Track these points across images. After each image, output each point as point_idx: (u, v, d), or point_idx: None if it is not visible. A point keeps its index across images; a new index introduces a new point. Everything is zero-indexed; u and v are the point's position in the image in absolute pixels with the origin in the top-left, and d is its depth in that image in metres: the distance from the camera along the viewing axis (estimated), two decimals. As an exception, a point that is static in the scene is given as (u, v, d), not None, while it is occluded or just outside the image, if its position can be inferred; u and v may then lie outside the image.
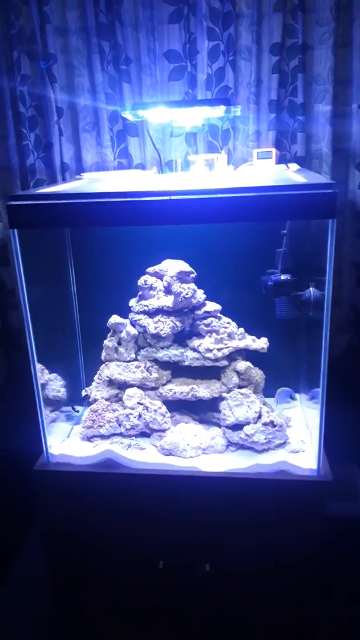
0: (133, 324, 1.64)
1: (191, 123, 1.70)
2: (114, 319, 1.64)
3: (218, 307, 1.61)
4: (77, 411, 1.79)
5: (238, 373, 1.58)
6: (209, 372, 1.60)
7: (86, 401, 1.68)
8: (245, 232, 1.57)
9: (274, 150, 1.65)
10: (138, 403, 1.57)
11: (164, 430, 1.56)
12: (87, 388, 1.69)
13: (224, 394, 1.55)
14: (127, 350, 1.65)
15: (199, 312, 1.60)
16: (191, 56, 1.71)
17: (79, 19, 1.72)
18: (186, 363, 1.58)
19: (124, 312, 1.65)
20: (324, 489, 1.39)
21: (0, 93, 1.75)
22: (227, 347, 1.56)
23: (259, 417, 1.50)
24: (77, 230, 1.75)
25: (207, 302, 1.61)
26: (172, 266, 1.60)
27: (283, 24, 1.65)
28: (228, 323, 1.60)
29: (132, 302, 1.65)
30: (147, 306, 1.59)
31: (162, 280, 1.62)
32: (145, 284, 1.61)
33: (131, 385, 1.61)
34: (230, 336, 1.58)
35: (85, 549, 1.57)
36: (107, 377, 1.64)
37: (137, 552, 1.54)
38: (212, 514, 1.46)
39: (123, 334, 1.64)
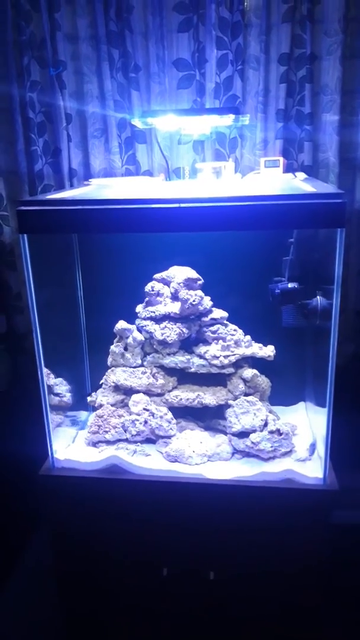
0: (140, 329, 1.64)
1: (199, 131, 1.72)
2: (121, 324, 1.64)
3: (225, 314, 1.61)
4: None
5: (244, 380, 1.58)
6: (215, 379, 1.60)
7: (91, 406, 1.68)
8: (253, 240, 1.58)
9: (281, 159, 1.66)
10: (144, 409, 1.57)
11: (169, 437, 1.56)
12: (92, 393, 1.69)
13: (230, 401, 1.55)
14: (133, 356, 1.66)
15: (206, 319, 1.60)
16: (200, 65, 1.73)
17: (89, 27, 1.73)
18: (192, 370, 1.59)
19: (131, 318, 1.66)
20: (330, 498, 1.39)
21: (9, 99, 1.77)
22: (234, 355, 1.56)
23: (265, 425, 1.50)
24: (84, 236, 1.75)
25: (214, 309, 1.61)
26: (180, 273, 1.60)
27: (291, 35, 1.67)
28: (235, 330, 1.60)
29: (139, 308, 1.65)
30: (154, 312, 1.60)
31: (169, 286, 1.62)
32: (152, 290, 1.61)
33: (137, 391, 1.62)
34: (237, 343, 1.58)
35: (90, 555, 1.56)
36: (113, 382, 1.64)
37: (142, 559, 1.54)
38: (217, 521, 1.46)
39: (129, 340, 1.64)
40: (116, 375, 1.64)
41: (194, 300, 1.55)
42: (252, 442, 1.48)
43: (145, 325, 1.61)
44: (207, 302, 1.60)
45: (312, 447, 1.51)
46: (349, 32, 1.65)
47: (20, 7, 1.71)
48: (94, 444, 1.61)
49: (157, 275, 1.64)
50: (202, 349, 1.59)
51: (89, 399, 1.69)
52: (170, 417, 1.57)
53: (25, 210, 1.30)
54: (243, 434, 1.51)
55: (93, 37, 1.74)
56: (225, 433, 1.57)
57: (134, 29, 1.72)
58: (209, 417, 1.63)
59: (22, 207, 1.30)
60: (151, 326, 1.60)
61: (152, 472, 1.48)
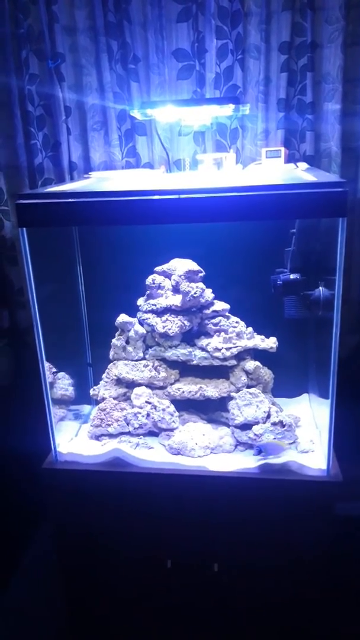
0: (141, 323, 1.64)
1: (199, 122, 1.70)
2: (122, 317, 1.64)
3: (226, 306, 1.60)
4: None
5: (247, 372, 1.58)
6: (217, 371, 1.60)
7: (94, 400, 1.68)
8: (254, 231, 1.56)
9: (282, 149, 1.65)
10: (146, 402, 1.57)
11: (172, 430, 1.56)
12: (95, 387, 1.69)
13: (233, 394, 1.55)
14: (135, 349, 1.65)
15: (208, 312, 1.59)
16: (200, 55, 1.71)
17: (87, 18, 1.72)
18: (194, 362, 1.58)
19: (132, 311, 1.65)
20: (333, 490, 1.39)
21: (8, 92, 1.76)
22: (236, 347, 1.56)
23: (268, 416, 1.50)
24: (85, 229, 1.75)
25: (215, 301, 1.61)
26: (181, 265, 1.59)
27: (292, 23, 1.64)
28: (237, 322, 1.60)
29: (140, 301, 1.65)
30: (155, 305, 1.59)
31: (170, 279, 1.61)
32: (154, 283, 1.61)
33: (139, 384, 1.61)
34: (239, 335, 1.58)
35: (93, 547, 1.57)
36: (115, 376, 1.64)
37: (145, 551, 1.54)
38: (220, 513, 1.46)
39: (131, 333, 1.64)
40: (118, 369, 1.64)
41: (195, 293, 1.54)
42: (255, 434, 1.47)
43: (147, 318, 1.60)
44: (209, 294, 1.59)
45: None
46: (350, 19, 1.62)
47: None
48: (97, 437, 1.61)
49: (158, 268, 1.64)
50: (204, 341, 1.58)
51: (91, 392, 1.69)
52: (173, 409, 1.56)
53: (24, 204, 1.29)
54: (246, 426, 1.51)
55: (91, 28, 1.72)
56: (228, 425, 1.56)
57: (133, 19, 1.70)
58: (211, 410, 1.63)
59: (21, 201, 1.30)
60: (153, 319, 1.59)
61: (155, 464, 1.48)
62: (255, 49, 1.69)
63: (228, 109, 1.55)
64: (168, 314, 1.58)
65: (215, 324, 1.58)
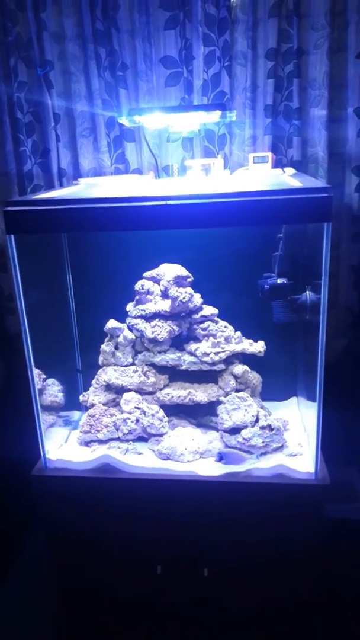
0: (130, 328, 1.64)
1: (187, 128, 1.72)
2: (111, 323, 1.64)
3: (215, 310, 1.61)
4: None
5: (235, 377, 1.58)
6: (206, 376, 1.60)
7: (83, 406, 1.68)
8: (242, 236, 1.57)
9: (270, 154, 1.66)
10: (135, 407, 1.57)
11: (161, 435, 1.56)
12: (84, 393, 1.69)
13: (222, 398, 1.55)
14: (124, 355, 1.65)
15: (196, 316, 1.60)
16: (187, 62, 1.72)
17: (76, 26, 1.73)
18: (183, 367, 1.58)
19: (121, 316, 1.66)
20: (321, 492, 1.39)
21: (-3, 100, 1.76)
22: (224, 351, 1.56)
23: (257, 420, 1.50)
24: (74, 235, 1.75)
25: (204, 306, 1.61)
26: (169, 270, 1.60)
27: (278, 30, 1.66)
28: (225, 327, 1.60)
29: (129, 307, 1.65)
30: (144, 310, 1.60)
31: (159, 284, 1.62)
32: (142, 289, 1.61)
33: (128, 390, 1.61)
34: (227, 340, 1.58)
35: (84, 553, 1.56)
36: (105, 381, 1.64)
37: (136, 556, 1.54)
38: (210, 518, 1.46)
39: (120, 339, 1.64)
40: (107, 374, 1.64)
41: (184, 298, 1.55)
42: (244, 438, 1.48)
43: (136, 324, 1.60)
44: (197, 299, 1.60)
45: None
46: (335, 26, 1.64)
47: (5, 7, 1.71)
48: (86, 444, 1.61)
49: (147, 274, 1.64)
50: (192, 346, 1.59)
51: (81, 398, 1.69)
52: (162, 415, 1.56)
53: (13, 211, 1.30)
54: (234, 430, 1.51)
55: (80, 36, 1.74)
56: (217, 430, 1.57)
57: (121, 27, 1.71)
58: (200, 414, 1.63)
59: (9, 208, 1.30)
60: (142, 324, 1.59)
61: (144, 470, 1.48)
62: (242, 55, 1.70)
63: (216, 116, 1.57)
64: (157, 319, 1.59)
65: (204, 329, 1.59)
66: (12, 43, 1.74)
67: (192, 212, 1.24)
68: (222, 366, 1.58)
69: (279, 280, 1.49)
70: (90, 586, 1.61)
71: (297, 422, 1.68)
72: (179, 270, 1.59)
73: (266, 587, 1.51)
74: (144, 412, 1.55)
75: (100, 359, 1.68)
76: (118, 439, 1.58)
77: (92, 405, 1.64)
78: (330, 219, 1.20)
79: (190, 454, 1.50)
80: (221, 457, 1.47)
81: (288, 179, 1.47)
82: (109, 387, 1.65)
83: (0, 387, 2.01)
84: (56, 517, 1.54)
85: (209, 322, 1.59)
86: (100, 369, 1.68)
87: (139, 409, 1.56)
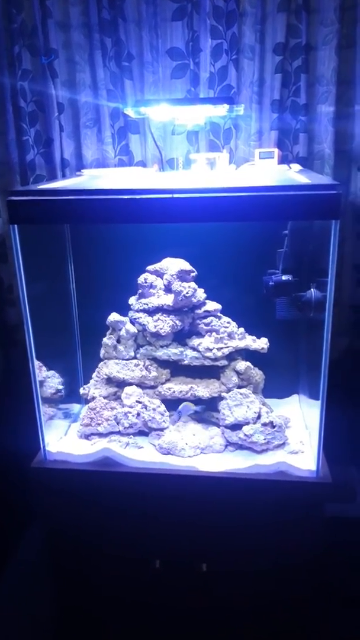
0: (133, 322, 1.63)
1: (193, 121, 1.70)
2: (114, 316, 1.63)
3: (218, 306, 1.60)
4: None
5: (238, 373, 1.58)
6: (208, 371, 1.59)
7: (84, 399, 1.67)
8: (247, 232, 1.56)
9: (276, 150, 1.65)
10: (137, 401, 1.56)
11: (162, 429, 1.55)
12: (85, 386, 1.68)
13: (223, 394, 1.55)
14: (126, 349, 1.64)
15: (199, 311, 1.59)
16: (194, 54, 1.70)
17: (82, 15, 1.71)
18: (185, 362, 1.58)
19: (124, 310, 1.65)
20: (322, 491, 1.39)
21: (0, 88, 1.74)
22: (227, 347, 1.56)
23: (258, 417, 1.50)
24: (76, 227, 1.73)
25: (207, 301, 1.61)
26: (173, 265, 1.59)
27: (287, 24, 1.64)
28: (228, 323, 1.59)
29: (132, 300, 1.64)
30: (147, 304, 1.59)
31: (162, 278, 1.61)
32: (146, 282, 1.60)
33: (130, 384, 1.61)
34: (230, 336, 1.58)
35: (83, 547, 1.56)
36: (106, 375, 1.63)
37: (134, 551, 1.54)
38: (210, 514, 1.46)
39: (122, 332, 1.63)
40: (109, 368, 1.63)
41: (187, 293, 1.54)
42: (245, 435, 1.48)
43: (138, 318, 1.59)
44: (201, 294, 1.59)
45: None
46: (345, 22, 1.63)
47: (10, -7, 1.68)
48: (87, 437, 1.60)
49: (150, 267, 1.63)
50: (195, 341, 1.58)
51: (81, 391, 1.68)
52: (163, 409, 1.56)
53: (16, 201, 1.28)
54: (236, 427, 1.51)
55: (85, 25, 1.71)
56: (219, 425, 1.56)
57: (127, 17, 1.69)
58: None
59: (12, 197, 1.28)
60: (144, 318, 1.59)
61: (144, 464, 1.48)
62: (250, 49, 1.69)
63: (222, 109, 1.55)
64: (160, 314, 1.58)
65: (207, 324, 1.58)
66: (17, 30, 1.71)
67: (198, 206, 1.23)
68: (225, 362, 1.57)
69: (284, 277, 1.48)
70: (88, 579, 1.61)
71: (298, 419, 1.68)
72: (182, 264, 1.58)
73: (265, 584, 1.51)
74: (145, 406, 1.55)
75: (102, 352, 1.67)
76: (119, 432, 1.58)
77: (93, 398, 1.63)
78: (339, 216, 1.19)
79: (191, 449, 1.50)
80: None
81: (295, 175, 1.46)
82: (110, 381, 1.64)
83: (0, 379, 1.99)
84: (55, 509, 1.53)
85: (212, 318, 1.59)
86: (102, 362, 1.67)
87: (140, 402, 1.56)
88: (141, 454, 1.51)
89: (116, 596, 1.62)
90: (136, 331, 1.63)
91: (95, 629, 1.65)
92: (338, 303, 1.84)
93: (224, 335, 1.57)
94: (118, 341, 1.65)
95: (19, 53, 1.73)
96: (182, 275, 1.56)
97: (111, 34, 1.72)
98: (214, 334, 1.57)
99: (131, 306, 1.63)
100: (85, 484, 1.49)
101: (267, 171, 1.61)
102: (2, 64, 1.72)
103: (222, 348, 1.55)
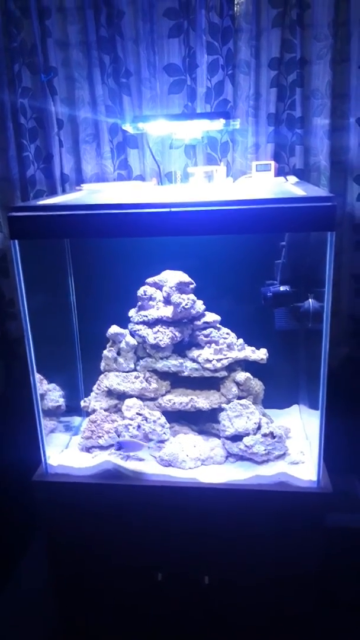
0: (132, 334, 1.64)
1: (190, 135, 1.72)
2: (114, 329, 1.64)
3: (217, 317, 1.61)
4: None
5: (237, 384, 1.58)
6: (208, 382, 1.60)
7: (84, 411, 1.68)
8: (245, 244, 1.58)
9: (272, 162, 1.67)
10: (137, 414, 1.57)
11: (163, 441, 1.56)
12: (86, 398, 1.69)
13: (224, 405, 1.55)
14: (126, 361, 1.65)
15: (199, 323, 1.60)
16: (191, 70, 1.73)
17: (80, 33, 1.74)
18: (185, 374, 1.58)
19: (124, 322, 1.66)
20: (323, 501, 1.39)
21: (1, 105, 1.77)
22: (227, 358, 1.57)
23: (259, 428, 1.50)
24: (76, 241, 1.75)
25: (206, 312, 1.62)
26: (172, 277, 1.60)
27: (281, 39, 1.67)
28: (227, 334, 1.60)
29: (132, 313, 1.65)
30: (147, 316, 1.60)
31: (161, 290, 1.62)
32: (145, 295, 1.61)
33: (130, 396, 1.61)
34: (230, 347, 1.59)
35: (85, 560, 1.56)
36: (106, 387, 1.64)
37: (136, 563, 1.53)
38: (212, 525, 1.45)
39: (122, 344, 1.64)
40: (109, 380, 1.64)
41: (186, 304, 1.55)
42: (246, 446, 1.48)
43: (138, 330, 1.61)
44: (200, 305, 1.60)
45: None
46: (338, 37, 1.66)
47: (10, 13, 1.72)
48: (88, 450, 1.60)
49: (149, 280, 1.64)
50: (195, 352, 1.59)
51: (82, 404, 1.68)
52: (164, 421, 1.56)
53: (16, 217, 1.30)
54: (236, 438, 1.51)
55: (84, 43, 1.74)
56: (219, 437, 1.57)
57: (125, 34, 1.72)
58: (202, 421, 1.63)
59: (12, 213, 1.30)
60: (144, 330, 1.60)
61: (145, 476, 1.48)
62: (246, 64, 1.72)
63: (219, 123, 1.57)
64: (159, 325, 1.59)
65: (206, 335, 1.59)
66: (17, 49, 1.75)
67: (196, 220, 1.25)
68: (224, 373, 1.58)
69: (282, 288, 1.49)
70: (90, 591, 1.60)
71: (298, 430, 1.68)
72: (181, 276, 1.59)
73: (266, 595, 1.51)
74: (146, 419, 1.55)
75: (102, 364, 1.67)
76: (119, 445, 1.58)
77: (94, 410, 1.63)
78: (334, 228, 1.20)
79: (191, 461, 1.50)
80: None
81: (291, 187, 1.48)
82: (110, 393, 1.65)
83: (0, 392, 2.00)
84: (57, 523, 1.53)
85: (211, 329, 1.60)
86: (102, 375, 1.68)
87: (140, 415, 1.56)
88: (142, 467, 1.51)
89: (119, 609, 1.61)
90: (136, 343, 1.64)
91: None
92: (337, 313, 1.85)
93: (223, 346, 1.57)
94: (118, 353, 1.66)
95: (19, 71, 1.77)
96: (181, 287, 1.57)
97: (109, 51, 1.75)
98: (213, 345, 1.58)
99: (131, 318, 1.64)
100: (86, 497, 1.49)
101: (264, 184, 1.62)
102: (2, 82, 1.76)
103: (221, 359, 1.56)
